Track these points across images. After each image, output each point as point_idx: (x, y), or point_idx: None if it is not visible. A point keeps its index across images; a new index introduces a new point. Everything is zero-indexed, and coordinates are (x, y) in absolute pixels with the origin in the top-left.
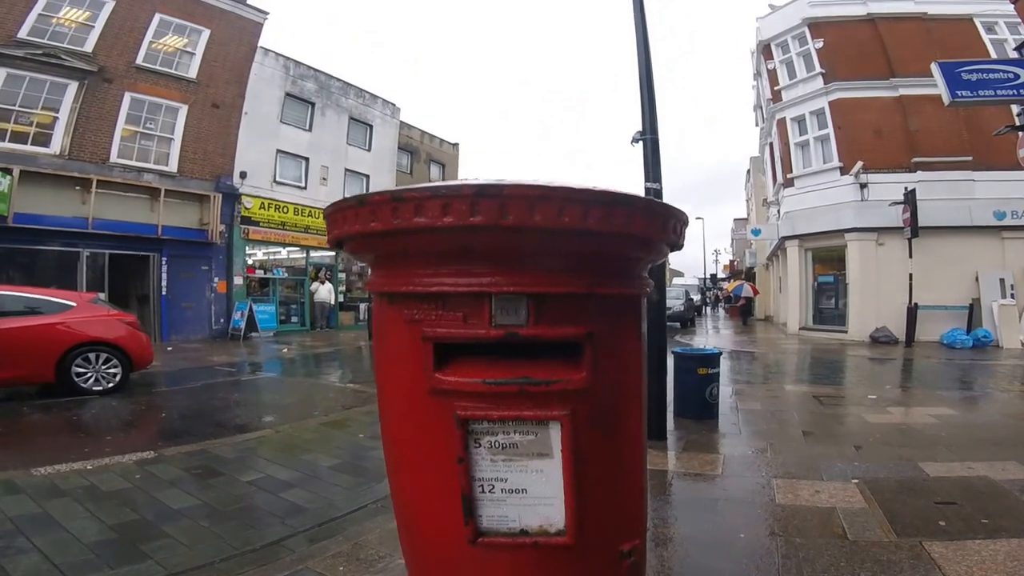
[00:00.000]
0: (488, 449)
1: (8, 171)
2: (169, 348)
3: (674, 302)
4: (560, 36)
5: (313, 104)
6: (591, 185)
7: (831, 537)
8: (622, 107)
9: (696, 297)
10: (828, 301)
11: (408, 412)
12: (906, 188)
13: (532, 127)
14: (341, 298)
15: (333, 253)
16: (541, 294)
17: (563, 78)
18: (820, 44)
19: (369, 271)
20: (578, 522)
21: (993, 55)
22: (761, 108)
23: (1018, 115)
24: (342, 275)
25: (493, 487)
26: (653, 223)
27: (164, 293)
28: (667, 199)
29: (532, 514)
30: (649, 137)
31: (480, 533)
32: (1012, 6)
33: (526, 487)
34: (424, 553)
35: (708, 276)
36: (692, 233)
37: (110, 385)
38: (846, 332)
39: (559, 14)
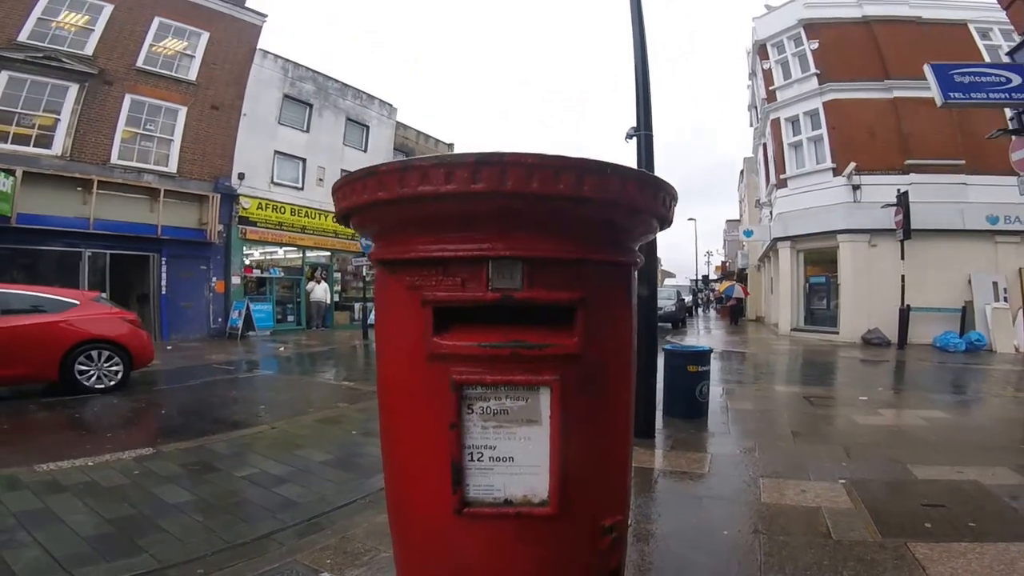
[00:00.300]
0: (480, 415)
1: (11, 172)
2: (169, 347)
3: (665, 302)
4: (560, 36)
5: (311, 105)
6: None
7: (815, 536)
8: (622, 107)
9: (687, 298)
10: (820, 302)
11: (406, 380)
12: (899, 190)
13: (532, 127)
14: (336, 298)
15: (328, 253)
16: (536, 258)
17: (563, 78)
18: (815, 45)
19: (372, 244)
20: (562, 492)
21: (987, 61)
22: (756, 108)
23: (1011, 119)
24: (337, 275)
25: (482, 455)
26: (644, 192)
27: (164, 292)
28: None
29: (517, 483)
30: (643, 133)
31: (466, 503)
32: (1005, 12)
33: (513, 455)
34: (411, 526)
35: (700, 278)
36: (684, 234)
37: (112, 383)
38: (838, 333)
39: (559, 14)
